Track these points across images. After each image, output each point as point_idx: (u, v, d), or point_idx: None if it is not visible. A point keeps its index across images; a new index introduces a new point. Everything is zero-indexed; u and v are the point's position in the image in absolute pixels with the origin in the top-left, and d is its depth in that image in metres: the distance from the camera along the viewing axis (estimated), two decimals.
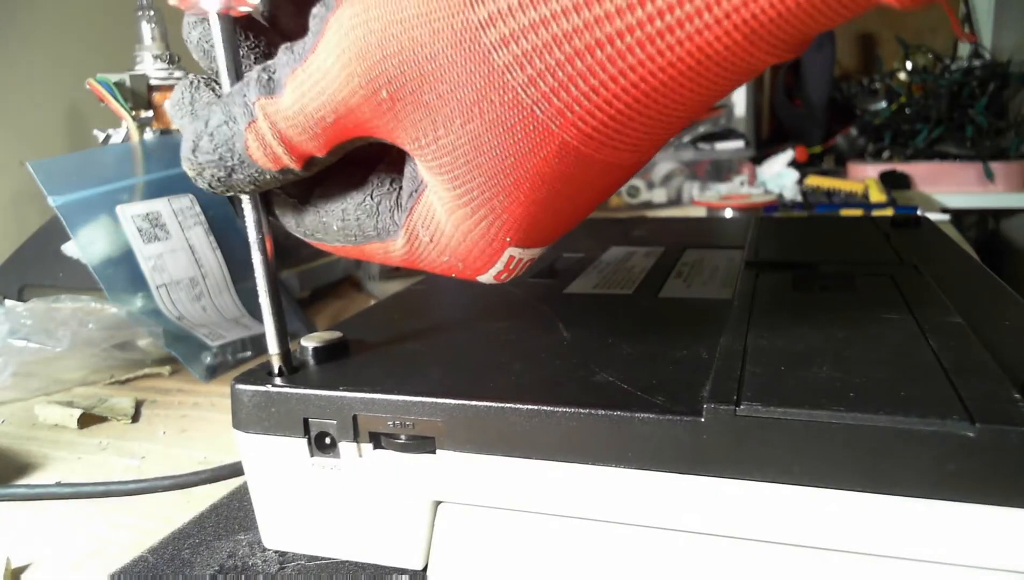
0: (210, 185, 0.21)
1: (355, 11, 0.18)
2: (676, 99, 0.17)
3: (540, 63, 0.17)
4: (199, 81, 0.22)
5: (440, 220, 0.21)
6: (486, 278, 0.22)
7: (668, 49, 0.16)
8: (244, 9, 0.22)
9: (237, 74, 0.22)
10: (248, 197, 0.23)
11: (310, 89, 0.19)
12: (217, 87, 0.23)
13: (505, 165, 0.18)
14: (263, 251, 0.23)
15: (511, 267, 0.21)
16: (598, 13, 0.16)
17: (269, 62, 0.20)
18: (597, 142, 0.18)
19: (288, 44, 0.20)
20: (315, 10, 0.19)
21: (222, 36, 0.22)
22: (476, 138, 0.18)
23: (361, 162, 0.23)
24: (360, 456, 0.23)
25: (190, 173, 0.21)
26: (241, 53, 0.23)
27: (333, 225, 0.23)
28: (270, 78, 0.20)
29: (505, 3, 0.16)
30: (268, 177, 0.21)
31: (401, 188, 0.22)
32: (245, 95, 0.20)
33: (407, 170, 0.22)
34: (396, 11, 0.17)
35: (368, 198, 0.22)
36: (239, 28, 0.23)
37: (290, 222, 0.24)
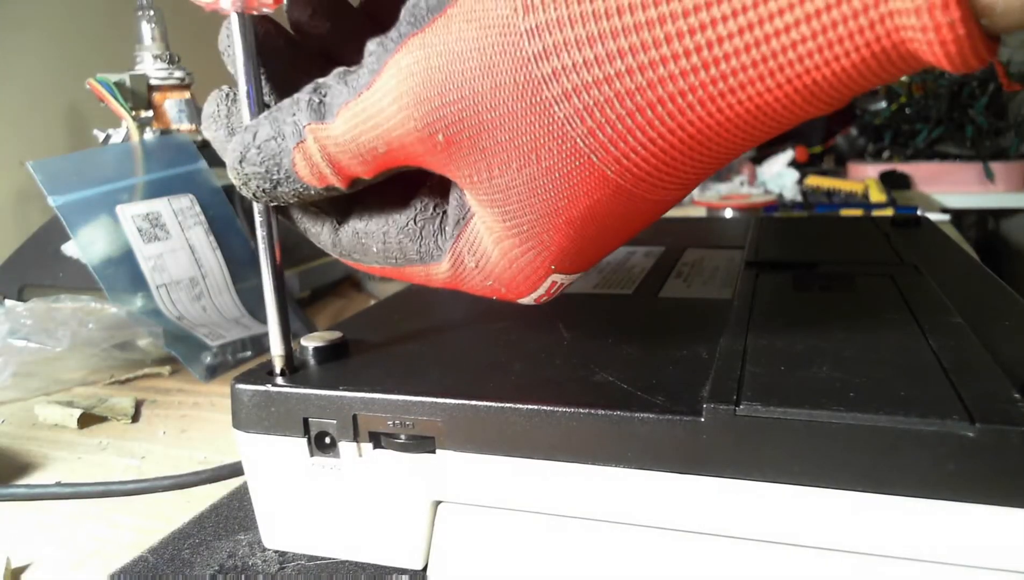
0: (255, 195, 0.22)
1: (415, 58, 0.18)
2: (726, 144, 0.18)
3: (600, 116, 0.17)
4: (233, 93, 0.22)
5: (487, 247, 0.21)
6: (527, 301, 0.22)
7: (728, 108, 0.16)
8: (265, 10, 0.22)
9: (255, 75, 0.22)
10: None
11: (364, 122, 0.20)
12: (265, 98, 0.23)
13: (558, 205, 0.19)
14: (271, 250, 0.23)
15: (552, 291, 0.22)
16: (662, 73, 0.16)
17: (320, 81, 0.21)
18: (648, 184, 0.18)
19: (342, 71, 0.20)
20: (371, 47, 0.20)
21: (241, 36, 0.22)
22: (531, 181, 0.19)
23: (402, 182, 0.23)
24: (360, 456, 0.23)
25: (236, 182, 0.22)
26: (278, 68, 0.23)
27: (373, 247, 0.23)
28: (321, 102, 0.20)
29: (570, 60, 0.17)
30: (312, 192, 0.21)
31: (445, 213, 0.22)
32: (295, 114, 0.21)
33: (453, 196, 0.22)
34: (457, 62, 0.18)
35: (412, 222, 0.22)
36: (290, 46, 0.23)
37: (326, 242, 0.24)
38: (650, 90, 0.16)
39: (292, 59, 0.23)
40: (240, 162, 0.21)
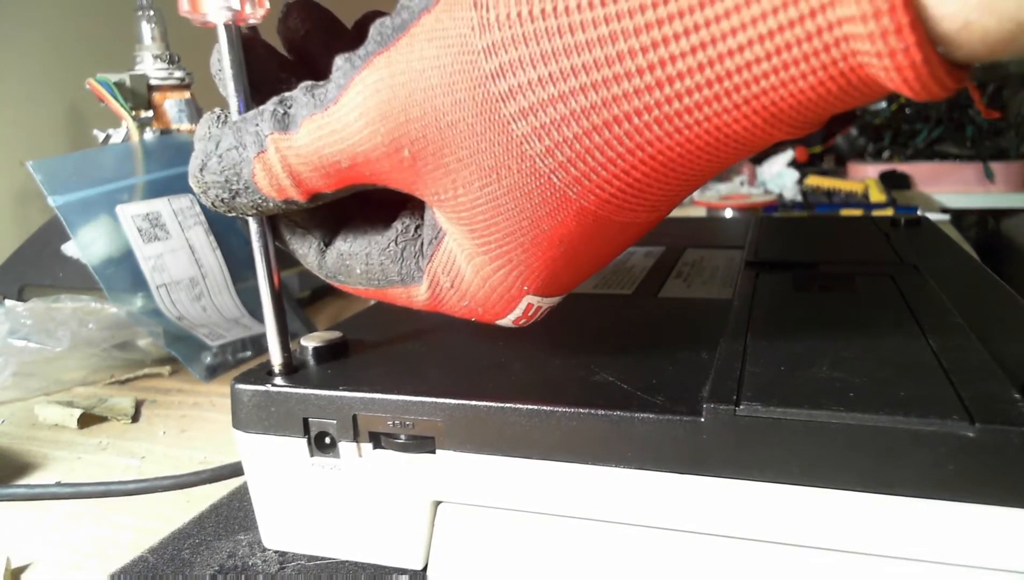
0: (213, 204, 0.22)
1: (381, 76, 0.19)
2: (692, 166, 0.17)
3: (558, 135, 0.17)
4: (225, 115, 0.22)
5: (460, 266, 0.21)
6: (505, 322, 0.22)
7: (687, 128, 0.16)
8: (252, 22, 0.22)
9: (244, 89, 0.22)
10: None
11: (328, 136, 0.20)
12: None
13: (523, 225, 0.19)
14: (265, 250, 0.23)
15: (529, 314, 0.22)
16: (616, 92, 0.16)
17: (286, 94, 0.21)
18: (614, 206, 0.18)
19: (309, 84, 0.20)
20: (339, 62, 0.20)
21: (228, 48, 0.22)
22: (495, 199, 0.19)
23: (384, 205, 0.23)
24: (360, 456, 0.23)
25: (196, 189, 0.22)
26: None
27: (356, 269, 0.23)
28: (286, 113, 0.20)
29: (525, 78, 0.17)
30: (271, 205, 0.22)
31: (411, 231, 0.22)
32: (258, 125, 0.21)
33: (427, 217, 0.22)
34: (420, 80, 0.18)
35: (392, 244, 0.22)
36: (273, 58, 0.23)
37: (312, 263, 0.24)
38: (605, 109, 0.16)
39: (284, 80, 0.23)
40: (201, 170, 0.21)
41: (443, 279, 0.22)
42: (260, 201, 0.21)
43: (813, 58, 0.14)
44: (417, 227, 0.22)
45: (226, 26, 0.22)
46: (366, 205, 0.23)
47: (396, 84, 0.18)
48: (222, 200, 0.22)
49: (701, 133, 0.16)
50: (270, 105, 0.21)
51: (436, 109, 0.18)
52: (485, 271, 0.21)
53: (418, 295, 0.23)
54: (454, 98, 0.18)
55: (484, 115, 0.17)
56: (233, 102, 0.22)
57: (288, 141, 0.20)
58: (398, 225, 0.22)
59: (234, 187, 0.21)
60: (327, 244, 0.23)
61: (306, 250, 0.24)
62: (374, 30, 0.19)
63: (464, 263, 0.21)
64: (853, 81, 0.15)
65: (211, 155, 0.21)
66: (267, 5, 0.23)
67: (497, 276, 0.20)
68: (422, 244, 0.22)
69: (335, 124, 0.19)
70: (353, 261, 0.23)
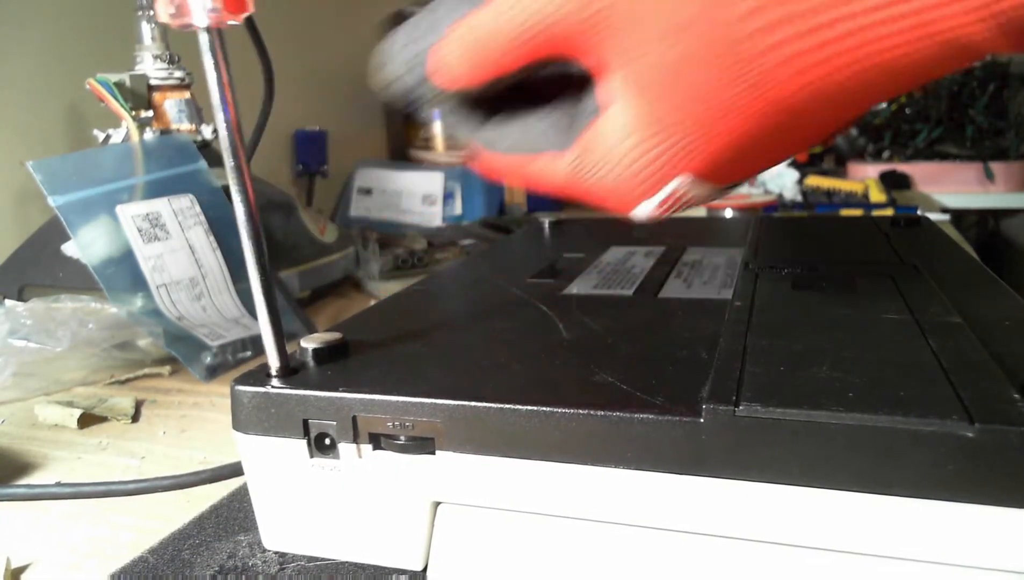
0: (397, 94, 0.23)
1: None
2: (857, 88, 0.18)
3: (780, 22, 0.17)
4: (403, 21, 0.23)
5: (617, 137, 0.21)
6: (644, 209, 0.22)
7: (874, 40, 0.17)
8: (232, 23, 0.22)
9: (230, 86, 0.22)
10: (237, 182, 0.23)
11: (516, 3, 0.20)
12: None
13: (708, 98, 0.19)
14: (258, 246, 0.23)
15: (667, 203, 0.21)
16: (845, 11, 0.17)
17: None
18: (801, 103, 0.18)
19: None
20: None
21: (211, 51, 0.22)
22: (688, 65, 0.19)
23: (543, 91, 0.23)
24: (360, 457, 0.23)
25: (381, 83, 0.23)
26: None
27: (508, 138, 0.24)
28: None
29: None
30: (439, 90, 0.23)
31: (579, 107, 0.22)
32: (438, 14, 0.22)
33: (586, 98, 0.22)
34: None
35: (551, 114, 0.23)
36: None
37: (464, 130, 0.24)
38: (830, 10, 0.17)
39: None
40: (390, 61, 0.23)
41: (595, 147, 0.22)
42: (437, 91, 0.23)
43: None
44: (575, 104, 0.22)
45: (208, 29, 0.21)
46: (526, 92, 0.23)
47: None
48: (406, 90, 0.23)
49: (900, 42, 0.17)
50: None
51: None
52: (645, 145, 0.20)
53: (562, 165, 0.23)
54: None
55: None
56: (217, 101, 0.22)
57: (478, 16, 0.21)
58: (557, 103, 0.23)
59: (419, 75, 0.22)
60: (487, 118, 0.24)
61: (463, 118, 0.24)
62: None
63: (622, 136, 0.21)
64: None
65: (406, 43, 0.22)
66: (251, 8, 0.22)
67: (656, 150, 0.20)
68: (578, 118, 0.22)
69: None
70: (509, 128, 0.24)
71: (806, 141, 0.21)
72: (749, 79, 0.18)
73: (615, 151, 0.21)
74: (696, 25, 0.18)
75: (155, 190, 0.49)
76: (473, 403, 0.21)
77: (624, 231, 0.47)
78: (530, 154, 0.23)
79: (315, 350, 0.25)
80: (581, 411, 0.20)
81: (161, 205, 0.49)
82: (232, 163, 0.22)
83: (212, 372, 0.45)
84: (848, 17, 0.17)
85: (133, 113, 0.54)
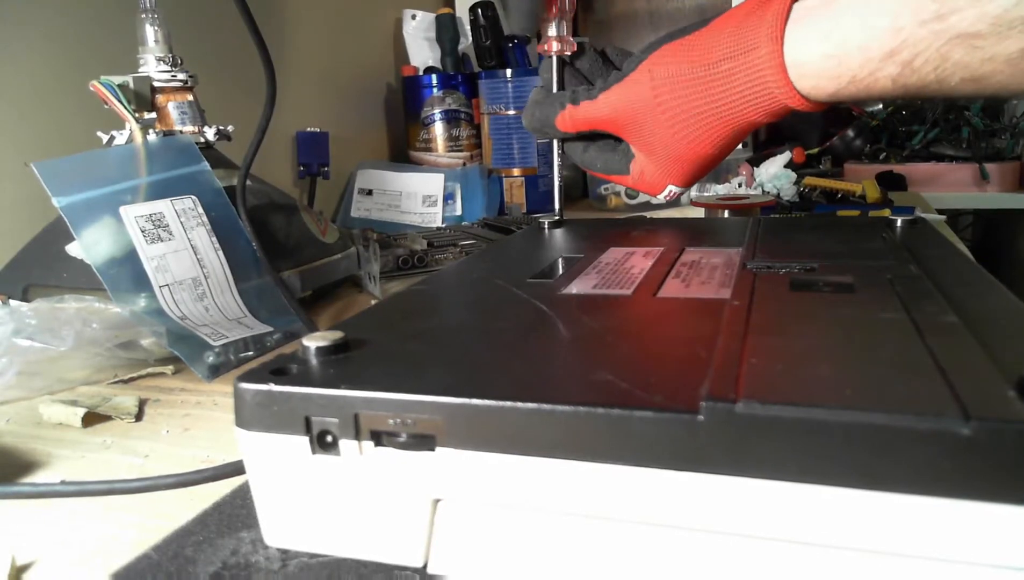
0: (533, 128, 0.51)
1: (614, 95, 0.46)
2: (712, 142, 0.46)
3: (682, 115, 0.45)
4: (543, 90, 0.53)
5: (644, 167, 0.48)
6: (660, 196, 0.49)
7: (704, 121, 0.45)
8: (568, 54, 0.51)
9: (561, 86, 0.51)
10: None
11: (592, 110, 0.47)
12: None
13: (673, 153, 0.46)
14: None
15: (670, 194, 0.49)
16: (693, 104, 0.45)
17: (576, 88, 0.49)
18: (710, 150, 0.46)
19: (586, 87, 0.49)
20: (599, 82, 0.48)
21: (555, 67, 0.51)
22: (663, 143, 0.46)
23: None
24: (361, 454, 0.23)
25: (524, 124, 0.52)
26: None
27: (599, 162, 0.51)
28: (575, 97, 0.48)
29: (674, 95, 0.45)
30: (560, 133, 0.50)
31: (622, 146, 0.49)
32: (562, 101, 0.49)
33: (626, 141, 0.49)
34: (628, 102, 0.46)
35: (614, 148, 0.50)
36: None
37: (577, 156, 0.52)
38: (688, 112, 0.45)
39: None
40: (529, 116, 0.51)
41: (637, 171, 0.49)
42: (554, 133, 0.50)
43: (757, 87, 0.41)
44: (619, 142, 0.49)
45: (556, 56, 0.51)
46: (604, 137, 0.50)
47: (618, 100, 0.46)
48: (535, 129, 0.51)
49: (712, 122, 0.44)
50: (568, 91, 0.49)
51: (634, 113, 0.45)
52: (651, 170, 0.47)
53: (626, 177, 0.50)
54: (637, 109, 0.45)
55: (653, 115, 0.44)
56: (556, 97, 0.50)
57: (576, 109, 0.48)
58: (613, 142, 0.50)
59: (543, 126, 0.50)
60: (586, 149, 0.51)
61: (579, 148, 0.51)
62: (614, 76, 0.46)
63: (645, 166, 0.48)
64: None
65: (534, 109, 0.50)
66: (575, 47, 0.51)
67: (657, 173, 0.47)
68: (625, 153, 0.49)
69: (596, 107, 0.47)
70: (597, 158, 0.51)
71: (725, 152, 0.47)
72: (686, 142, 0.46)
73: (644, 173, 0.48)
74: (663, 130, 0.46)
75: (158, 191, 0.49)
76: (473, 401, 0.21)
77: (623, 231, 0.47)
78: (609, 174, 0.51)
79: (317, 348, 0.25)
80: (581, 408, 0.20)
81: (164, 206, 0.49)
82: None
83: (215, 371, 0.45)
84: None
85: (136, 115, 0.54)
